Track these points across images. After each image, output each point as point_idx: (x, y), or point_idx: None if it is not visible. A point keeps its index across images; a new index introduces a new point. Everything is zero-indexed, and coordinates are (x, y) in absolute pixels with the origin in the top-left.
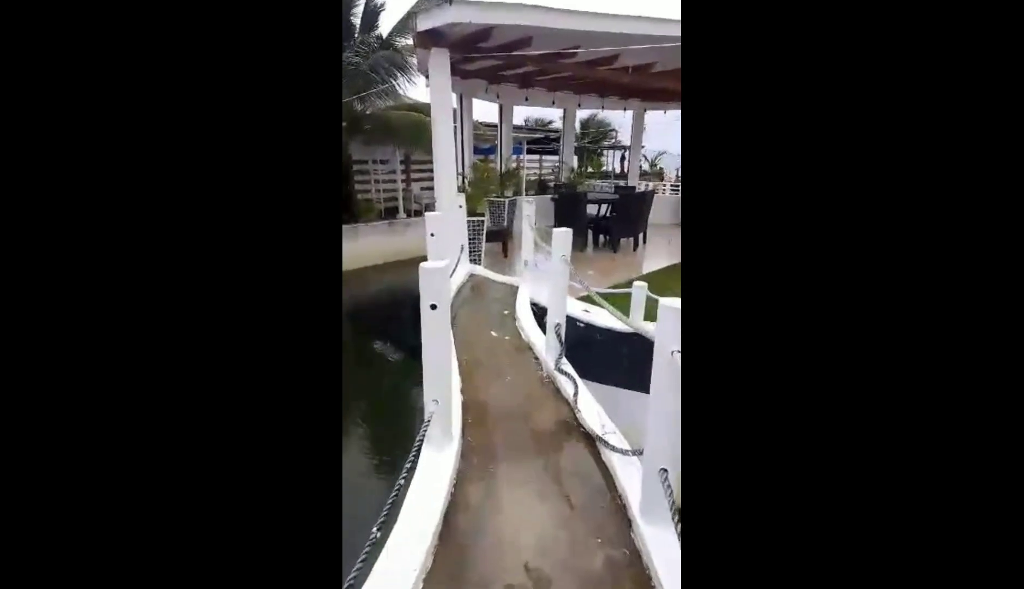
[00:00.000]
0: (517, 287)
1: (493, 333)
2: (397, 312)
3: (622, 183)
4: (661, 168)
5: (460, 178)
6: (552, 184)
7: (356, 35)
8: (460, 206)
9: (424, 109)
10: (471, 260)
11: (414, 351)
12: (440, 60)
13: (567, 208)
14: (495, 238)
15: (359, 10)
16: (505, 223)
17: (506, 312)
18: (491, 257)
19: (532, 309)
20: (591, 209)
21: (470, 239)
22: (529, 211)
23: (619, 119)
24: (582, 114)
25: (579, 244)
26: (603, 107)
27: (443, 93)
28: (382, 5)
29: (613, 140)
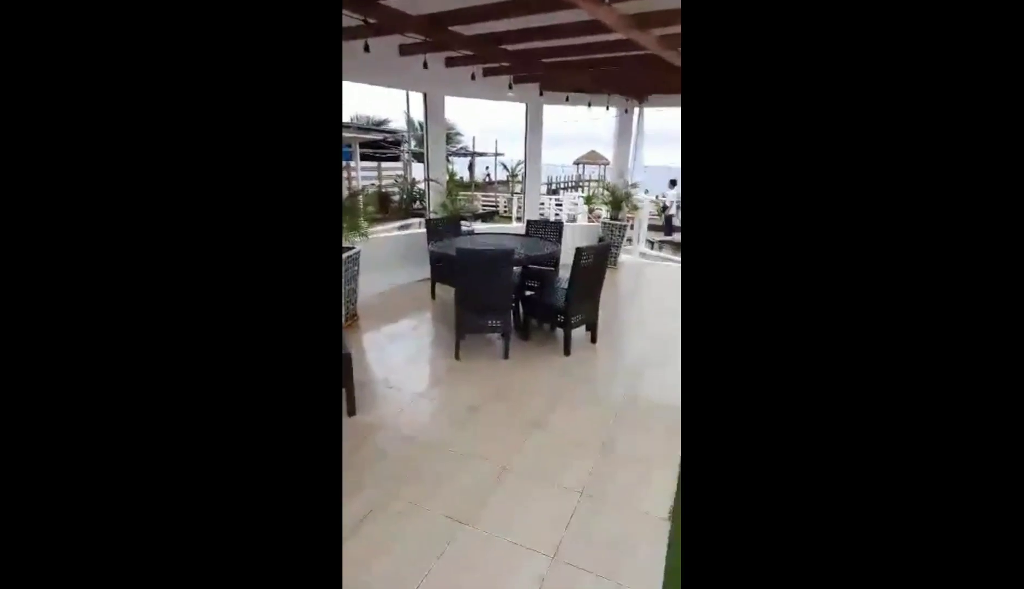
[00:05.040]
0: None
1: None
2: None
3: (538, 217)
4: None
5: None
6: (398, 199)
7: None
8: None
9: None
10: None
11: None
12: None
13: (467, 265)
14: None
15: None
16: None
17: None
18: None
19: None
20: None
21: None
22: None
23: (465, 120)
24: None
25: (481, 342)
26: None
27: None
28: None
29: (461, 146)
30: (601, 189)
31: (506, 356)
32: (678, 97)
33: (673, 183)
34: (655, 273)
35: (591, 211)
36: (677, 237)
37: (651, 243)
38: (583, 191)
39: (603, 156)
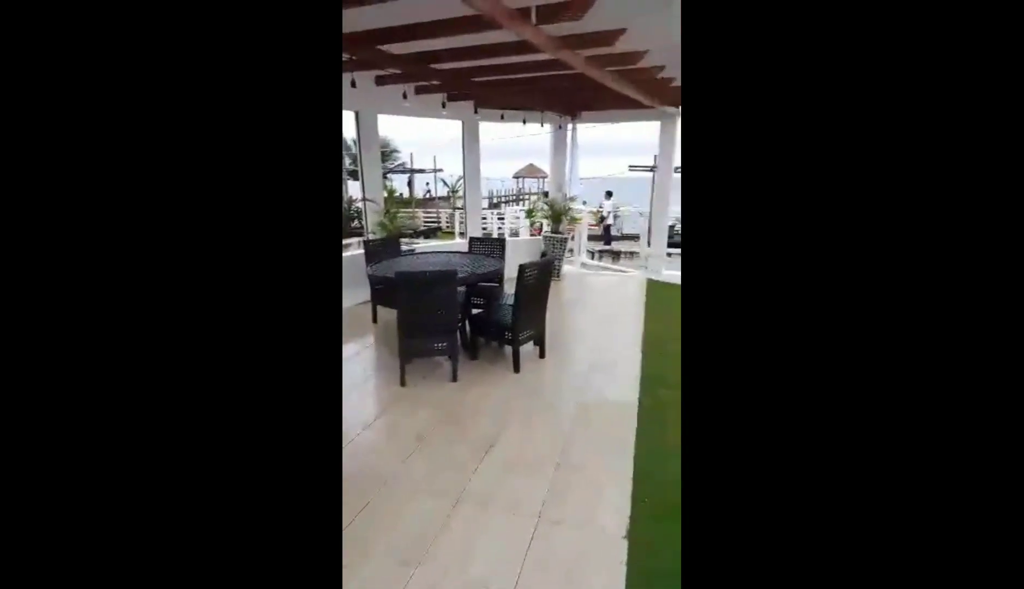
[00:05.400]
0: None
1: None
2: None
3: (481, 233)
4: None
5: None
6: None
7: None
8: None
9: None
10: None
11: None
12: None
13: (409, 288)
14: None
15: None
16: None
17: None
18: None
19: None
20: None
21: None
22: None
23: (402, 135)
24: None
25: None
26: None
27: None
28: None
29: (399, 163)
30: (541, 203)
31: (454, 379)
32: (609, 113)
33: (609, 194)
34: (597, 282)
35: (533, 224)
36: (615, 246)
37: (592, 253)
38: (524, 204)
39: (541, 169)
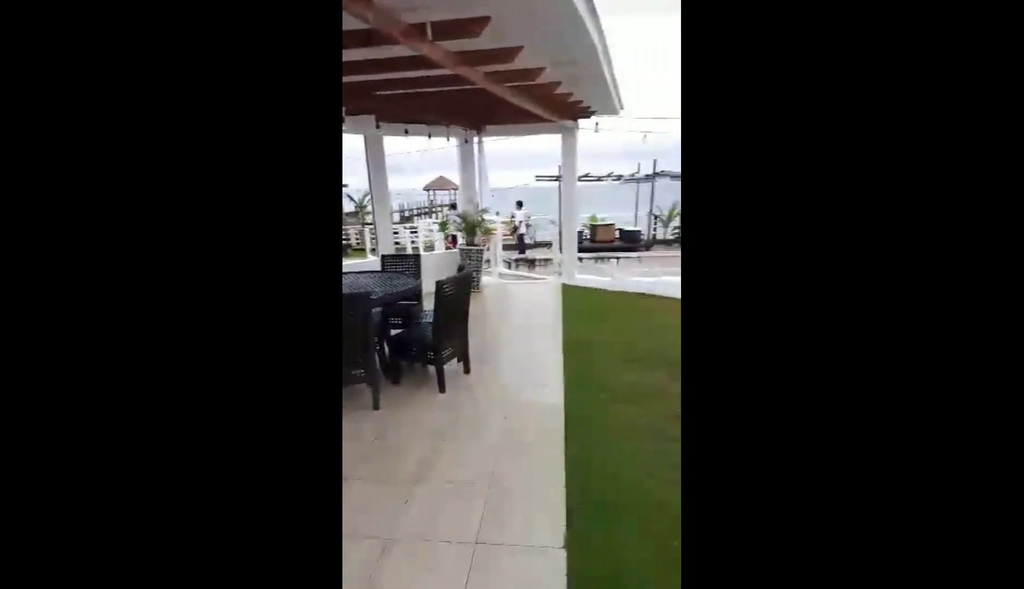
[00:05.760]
0: None
1: None
2: None
3: (394, 249)
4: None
5: None
6: None
7: None
8: None
9: None
10: None
11: None
12: None
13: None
14: None
15: None
16: None
17: None
18: None
19: None
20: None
21: None
22: None
23: None
24: None
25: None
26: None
27: None
28: None
29: None
30: (454, 216)
31: (376, 407)
32: (513, 127)
33: (520, 204)
34: (516, 290)
35: (446, 237)
36: (530, 254)
37: (508, 262)
38: (436, 217)
39: (452, 181)
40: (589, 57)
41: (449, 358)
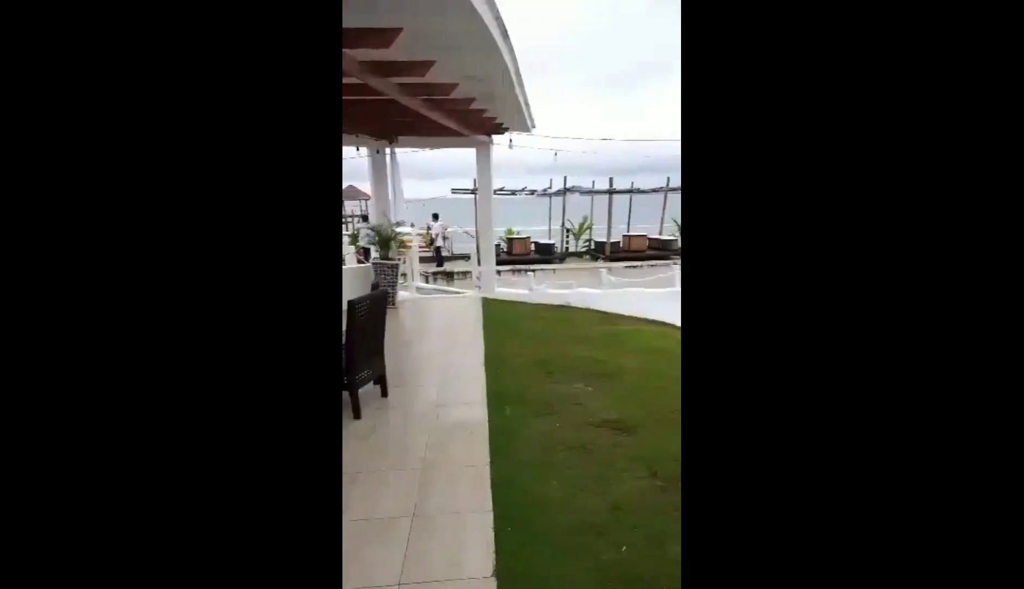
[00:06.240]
0: None
1: None
2: None
3: None
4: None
5: None
6: None
7: None
8: None
9: None
10: None
11: None
12: None
13: None
14: None
15: None
16: None
17: None
18: None
19: None
20: None
21: None
22: None
23: None
24: None
25: None
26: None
27: None
28: None
29: None
30: (366, 229)
31: None
32: (429, 139)
33: (436, 216)
34: (434, 306)
35: (358, 250)
36: (448, 267)
37: (425, 276)
38: (346, 228)
39: (363, 191)
40: (502, 77)
41: (365, 381)
